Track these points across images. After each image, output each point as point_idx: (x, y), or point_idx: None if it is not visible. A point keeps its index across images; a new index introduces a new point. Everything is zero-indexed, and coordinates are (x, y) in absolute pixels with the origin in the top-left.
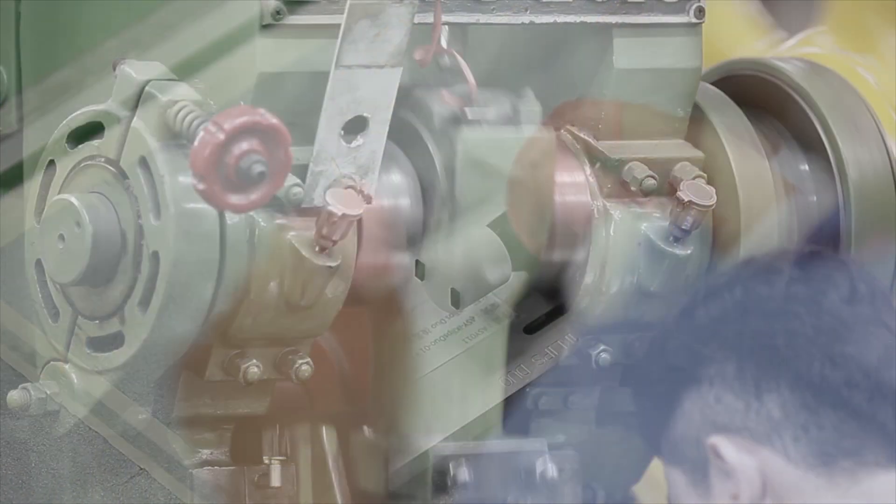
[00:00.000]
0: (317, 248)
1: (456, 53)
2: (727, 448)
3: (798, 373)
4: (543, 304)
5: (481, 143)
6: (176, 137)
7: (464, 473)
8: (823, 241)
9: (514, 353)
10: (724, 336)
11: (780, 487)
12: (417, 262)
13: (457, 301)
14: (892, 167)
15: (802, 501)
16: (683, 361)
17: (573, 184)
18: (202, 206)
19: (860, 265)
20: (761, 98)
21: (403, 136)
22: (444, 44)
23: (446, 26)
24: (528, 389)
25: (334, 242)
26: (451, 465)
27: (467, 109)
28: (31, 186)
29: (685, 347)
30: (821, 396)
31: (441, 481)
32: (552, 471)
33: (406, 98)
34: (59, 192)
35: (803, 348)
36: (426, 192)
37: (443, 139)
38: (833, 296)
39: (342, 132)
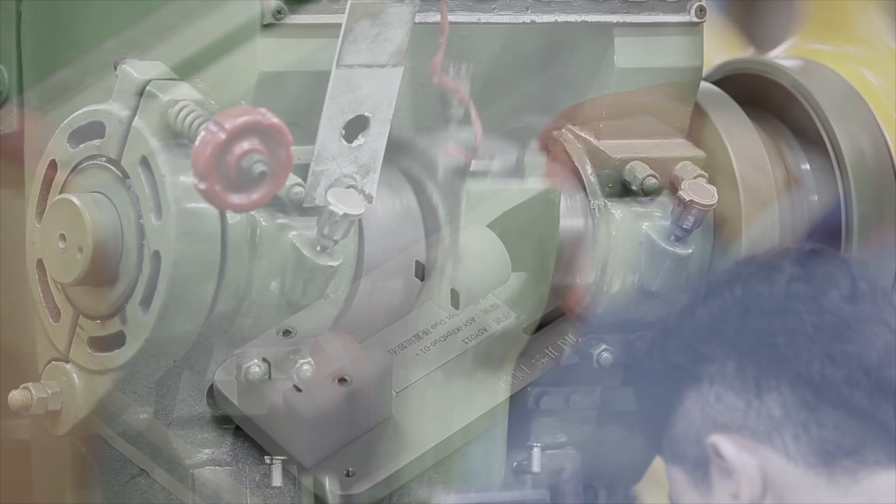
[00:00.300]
0: (318, 248)
1: (471, 103)
2: (727, 447)
3: (798, 371)
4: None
5: (485, 195)
6: (177, 137)
7: None
8: (825, 239)
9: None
10: (725, 334)
11: (781, 486)
12: (417, 262)
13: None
14: (892, 164)
15: (803, 500)
16: (684, 360)
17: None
18: (203, 205)
19: (861, 262)
20: (762, 96)
21: (409, 185)
22: (460, 88)
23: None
24: (529, 389)
25: (335, 242)
26: None
27: (472, 161)
28: (33, 186)
29: (686, 346)
30: (821, 395)
31: None
32: None
33: (410, 147)
34: (60, 192)
35: (804, 347)
36: (429, 239)
37: (447, 191)
38: (833, 294)
39: (343, 131)
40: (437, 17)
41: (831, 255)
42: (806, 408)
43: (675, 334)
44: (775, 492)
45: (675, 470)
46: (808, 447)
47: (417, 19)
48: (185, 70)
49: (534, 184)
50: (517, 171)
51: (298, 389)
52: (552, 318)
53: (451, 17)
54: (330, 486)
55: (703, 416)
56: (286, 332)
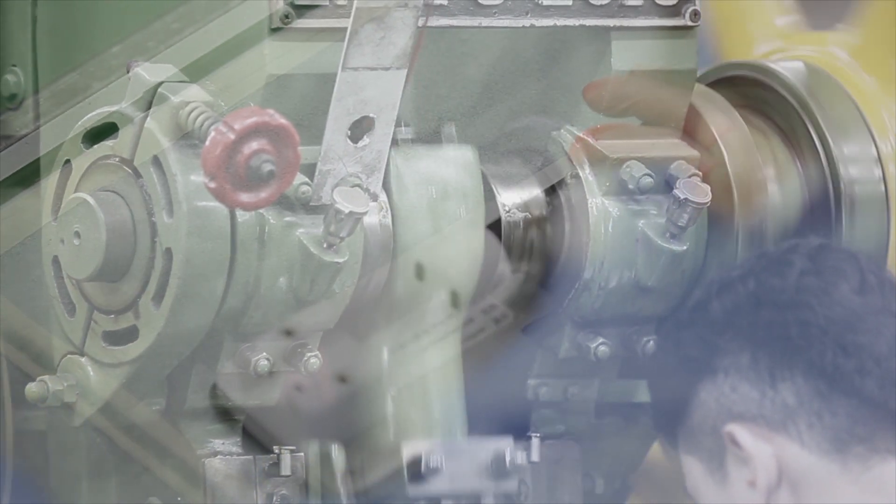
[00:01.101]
0: (325, 245)
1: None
2: (744, 435)
3: (811, 362)
4: (537, 299)
5: (407, 159)
6: (188, 137)
7: (437, 460)
8: (816, 234)
9: (514, 353)
10: (739, 327)
11: (796, 473)
12: (416, 263)
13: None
14: (881, 164)
15: (817, 487)
16: (699, 353)
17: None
18: (213, 204)
19: (868, 256)
20: (755, 99)
21: None
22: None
23: None
24: (528, 382)
25: (342, 239)
26: (423, 455)
27: (397, 130)
28: (48, 185)
29: (700, 339)
30: (834, 384)
31: (415, 471)
32: (521, 458)
33: None
34: (74, 191)
35: (816, 338)
36: None
37: None
38: (844, 287)
39: (349, 132)
40: (438, 22)
41: (840, 250)
42: (819, 397)
43: (689, 328)
44: (790, 479)
45: (690, 460)
46: (822, 435)
47: (420, 23)
48: (196, 73)
49: (454, 147)
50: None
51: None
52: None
53: (453, 21)
54: (335, 456)
55: (719, 407)
56: (289, 333)
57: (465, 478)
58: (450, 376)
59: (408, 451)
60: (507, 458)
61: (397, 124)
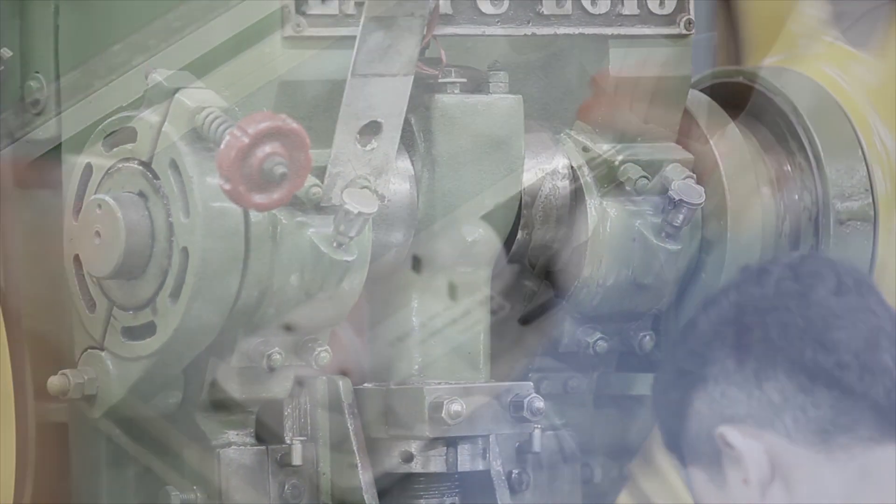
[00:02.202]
0: (335, 244)
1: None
2: (734, 435)
3: (792, 360)
4: (538, 295)
5: (455, 106)
6: (204, 141)
7: (458, 405)
8: (805, 234)
9: (512, 344)
10: (724, 336)
11: (786, 467)
12: (415, 257)
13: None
14: (866, 164)
15: (807, 478)
16: (691, 366)
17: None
18: (228, 204)
19: (845, 261)
20: (747, 103)
21: None
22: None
23: None
24: (530, 375)
25: (351, 238)
26: (445, 402)
27: (441, 76)
28: (69, 187)
29: (691, 352)
30: (815, 379)
31: (436, 416)
32: (539, 402)
33: None
34: (95, 192)
35: (795, 337)
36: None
37: (417, 103)
38: (820, 289)
39: (358, 136)
40: (445, 30)
41: (816, 257)
42: (802, 392)
43: (681, 344)
44: (782, 473)
45: (694, 471)
46: (807, 427)
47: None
48: (211, 79)
49: (499, 95)
50: (482, 87)
51: None
52: (546, 308)
53: (458, 30)
54: (343, 386)
55: (711, 413)
56: (300, 328)
57: (483, 420)
58: (478, 315)
59: (429, 392)
60: (526, 405)
61: (448, 74)
